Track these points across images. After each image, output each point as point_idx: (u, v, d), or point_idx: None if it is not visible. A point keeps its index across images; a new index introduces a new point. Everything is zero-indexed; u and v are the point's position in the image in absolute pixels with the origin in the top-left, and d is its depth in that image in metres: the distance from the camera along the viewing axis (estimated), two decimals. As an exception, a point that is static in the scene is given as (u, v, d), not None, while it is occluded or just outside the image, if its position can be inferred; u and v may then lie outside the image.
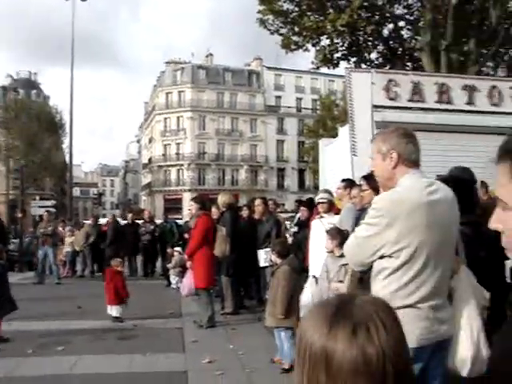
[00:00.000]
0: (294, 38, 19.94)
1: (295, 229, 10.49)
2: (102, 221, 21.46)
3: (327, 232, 6.15)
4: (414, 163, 3.04)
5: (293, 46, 20.03)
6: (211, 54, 72.55)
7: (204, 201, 9.82)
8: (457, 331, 2.96)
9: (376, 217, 2.89)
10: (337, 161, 11.42)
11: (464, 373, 2.91)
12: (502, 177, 1.17)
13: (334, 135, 16.71)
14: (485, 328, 3.02)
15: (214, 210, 11.06)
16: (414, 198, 2.86)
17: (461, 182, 3.99)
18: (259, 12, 19.75)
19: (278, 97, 71.38)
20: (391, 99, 10.42)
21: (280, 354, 6.62)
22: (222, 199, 10.56)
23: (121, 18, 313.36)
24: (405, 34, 21.49)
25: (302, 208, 10.24)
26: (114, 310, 9.43)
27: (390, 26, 20.87)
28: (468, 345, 2.92)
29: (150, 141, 73.80)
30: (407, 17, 21.03)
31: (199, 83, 68.31)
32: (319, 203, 7.97)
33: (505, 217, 1.16)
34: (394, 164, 3.02)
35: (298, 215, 10.65)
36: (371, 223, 2.92)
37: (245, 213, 11.31)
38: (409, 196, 2.87)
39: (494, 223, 1.20)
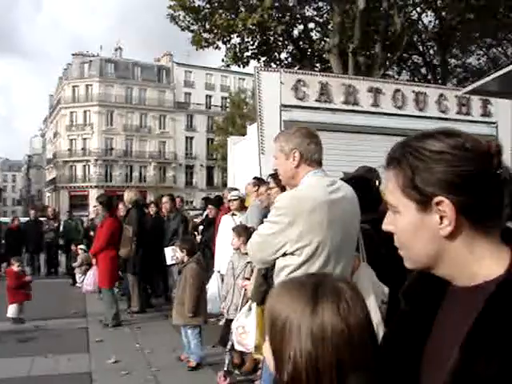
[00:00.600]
0: (205, 36, 19.94)
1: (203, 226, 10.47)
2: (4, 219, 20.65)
3: (233, 229, 6.18)
4: (316, 162, 3.10)
5: (203, 43, 20.01)
6: (120, 48, 71.08)
7: (110, 201, 9.63)
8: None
9: (278, 215, 2.93)
10: (245, 159, 11.51)
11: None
12: (389, 183, 1.25)
13: (244, 133, 16.85)
14: (383, 322, 3.13)
15: (120, 206, 10.89)
16: (316, 196, 2.92)
17: (364, 181, 4.12)
18: (170, 7, 19.59)
19: (188, 93, 70.92)
20: (299, 99, 10.60)
21: (187, 352, 6.59)
22: (128, 196, 10.39)
23: (22, 5, 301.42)
24: (314, 35, 22.03)
25: (209, 206, 10.23)
26: (9, 310, 9.05)
27: (300, 27, 21.30)
28: (367, 339, 3.01)
29: (55, 135, 71.43)
30: (317, 19, 21.53)
31: (107, 77, 66.75)
32: (230, 201, 8.01)
33: (394, 220, 1.25)
34: (296, 163, 3.07)
35: (206, 213, 10.64)
36: (274, 221, 2.95)
37: (152, 210, 11.19)
38: (311, 194, 2.93)
39: (386, 225, 1.28)
